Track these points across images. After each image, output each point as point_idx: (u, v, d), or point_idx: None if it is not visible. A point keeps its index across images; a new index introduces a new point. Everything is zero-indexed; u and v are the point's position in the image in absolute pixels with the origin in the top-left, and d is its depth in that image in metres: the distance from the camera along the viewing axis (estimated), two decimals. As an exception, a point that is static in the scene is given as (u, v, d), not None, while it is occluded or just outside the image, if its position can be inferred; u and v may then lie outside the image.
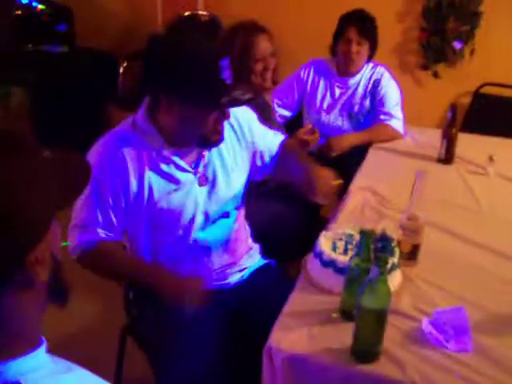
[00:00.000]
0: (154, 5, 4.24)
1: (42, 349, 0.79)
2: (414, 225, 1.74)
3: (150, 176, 1.68)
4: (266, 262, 1.99)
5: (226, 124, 1.72)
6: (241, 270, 1.91)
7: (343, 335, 1.42)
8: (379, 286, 1.31)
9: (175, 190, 1.72)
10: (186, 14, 4.00)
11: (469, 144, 2.69)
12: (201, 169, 1.75)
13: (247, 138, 1.87)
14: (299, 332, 1.45)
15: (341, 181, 1.88)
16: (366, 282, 1.32)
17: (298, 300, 1.59)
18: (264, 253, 2.02)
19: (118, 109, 3.74)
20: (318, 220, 2.56)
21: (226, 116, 1.66)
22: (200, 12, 4.06)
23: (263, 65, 2.33)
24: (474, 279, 1.73)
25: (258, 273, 1.94)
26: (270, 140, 1.96)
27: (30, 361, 0.76)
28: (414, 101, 3.29)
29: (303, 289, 1.63)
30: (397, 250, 1.65)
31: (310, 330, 1.47)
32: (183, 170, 1.72)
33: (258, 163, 1.93)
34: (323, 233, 1.75)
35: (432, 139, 2.71)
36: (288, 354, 1.39)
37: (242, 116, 1.86)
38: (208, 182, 1.77)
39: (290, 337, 1.44)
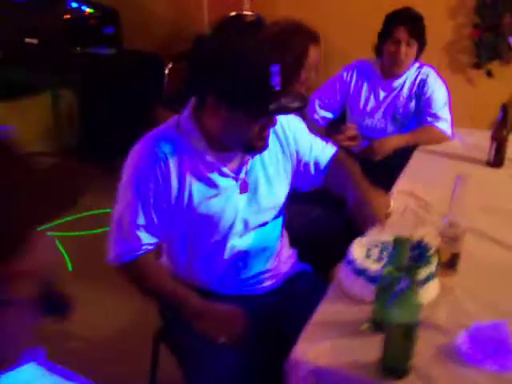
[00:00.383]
0: (199, 6, 4.26)
1: (32, 364, 0.76)
2: (453, 232, 1.64)
3: (190, 179, 1.65)
4: (302, 268, 1.94)
5: (271, 131, 1.66)
6: (276, 276, 1.86)
7: (372, 348, 1.35)
8: (409, 297, 1.24)
9: (215, 195, 1.68)
10: (232, 14, 3.99)
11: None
12: (242, 175, 1.71)
13: (292, 147, 1.81)
14: (325, 344, 1.39)
15: (392, 208, 1.83)
16: (395, 293, 1.25)
17: (326, 310, 1.53)
18: (301, 258, 1.97)
19: (165, 110, 3.76)
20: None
21: (273, 123, 1.61)
22: (245, 12, 4.05)
23: (309, 74, 2.30)
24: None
25: (293, 279, 1.89)
26: (318, 151, 1.90)
27: (17, 376, 0.73)
28: (465, 101, 3.17)
29: (333, 298, 1.58)
30: (434, 259, 1.57)
31: (336, 341, 1.41)
32: (225, 175, 1.68)
33: (304, 174, 1.87)
34: (357, 239, 1.68)
35: (481, 141, 2.58)
36: (312, 366, 1.34)
37: (288, 124, 1.81)
38: (249, 189, 1.73)
39: (314, 348, 1.38)
